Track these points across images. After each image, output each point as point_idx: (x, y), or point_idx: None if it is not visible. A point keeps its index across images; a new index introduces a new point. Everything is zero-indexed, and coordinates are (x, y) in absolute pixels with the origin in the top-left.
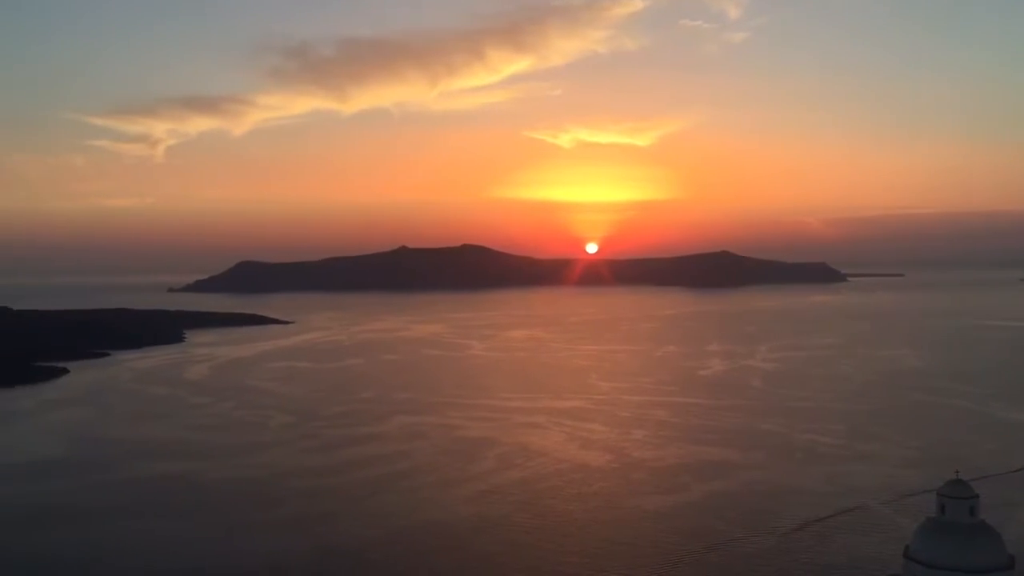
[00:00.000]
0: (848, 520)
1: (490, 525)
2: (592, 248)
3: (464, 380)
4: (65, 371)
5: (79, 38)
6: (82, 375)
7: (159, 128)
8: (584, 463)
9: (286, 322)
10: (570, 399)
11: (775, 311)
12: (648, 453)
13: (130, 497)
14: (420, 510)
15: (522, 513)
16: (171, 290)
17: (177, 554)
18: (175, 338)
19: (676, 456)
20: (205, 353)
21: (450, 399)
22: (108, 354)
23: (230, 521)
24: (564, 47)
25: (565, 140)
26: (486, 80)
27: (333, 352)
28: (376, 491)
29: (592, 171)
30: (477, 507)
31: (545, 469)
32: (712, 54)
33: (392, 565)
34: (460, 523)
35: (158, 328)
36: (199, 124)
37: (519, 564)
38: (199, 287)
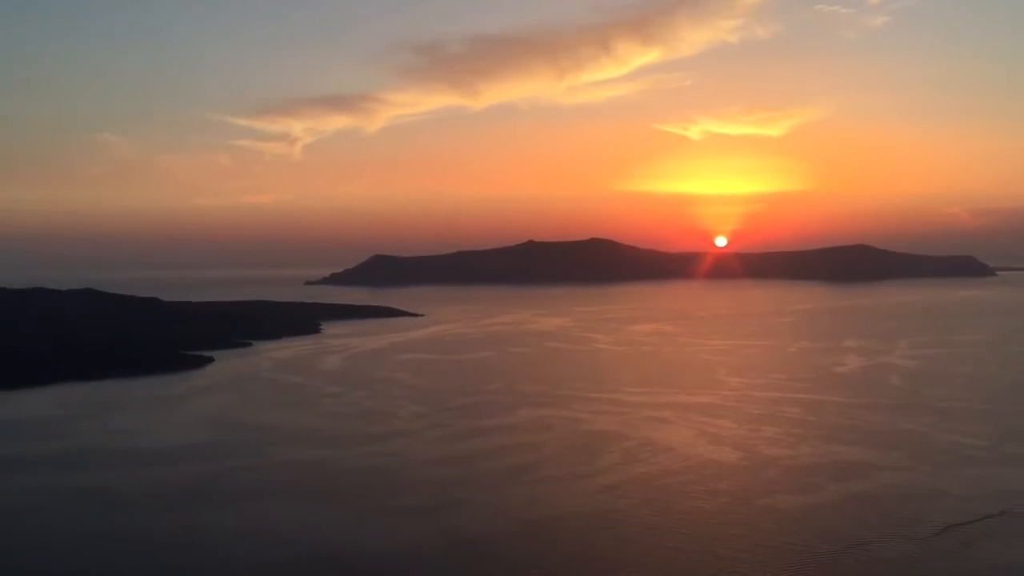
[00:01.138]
0: (993, 526)
1: (615, 520)
2: (721, 241)
3: (590, 374)
4: (211, 360)
5: (224, 43)
6: (226, 364)
7: (297, 127)
8: (712, 460)
9: (417, 314)
10: (698, 394)
11: (917, 306)
12: (780, 451)
13: (271, 480)
14: (546, 502)
15: (648, 509)
16: (308, 283)
17: (315, 536)
18: (311, 329)
19: (809, 455)
20: (339, 344)
21: (576, 392)
22: (250, 344)
23: (363, 506)
24: (693, 37)
25: (694, 132)
26: (614, 73)
27: (461, 344)
28: (502, 482)
29: (722, 163)
30: (602, 501)
31: (672, 465)
32: (849, 40)
33: (519, 556)
34: (585, 517)
35: (296, 319)
36: (334, 122)
37: (644, 560)
38: (334, 280)
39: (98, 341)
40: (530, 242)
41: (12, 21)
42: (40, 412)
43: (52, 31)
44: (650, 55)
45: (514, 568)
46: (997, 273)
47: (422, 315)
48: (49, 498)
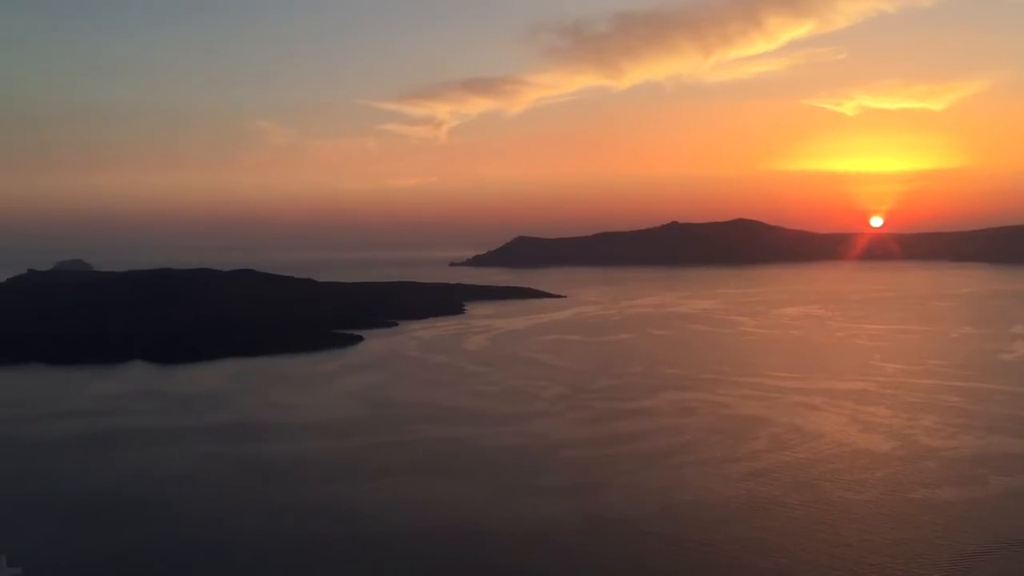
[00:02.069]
0: None
1: (761, 506)
2: (877, 221)
3: (735, 357)
4: (360, 338)
5: (370, 30)
6: (374, 343)
7: (442, 110)
8: (865, 448)
9: (559, 296)
10: (850, 380)
11: None
12: (939, 441)
13: (417, 456)
14: (688, 486)
15: (795, 496)
16: (452, 264)
17: (459, 510)
18: (455, 310)
19: (972, 446)
20: (483, 324)
21: (720, 376)
22: (397, 323)
23: (505, 484)
24: (848, 8)
25: (848, 107)
26: (763, 48)
27: (603, 326)
28: (644, 465)
29: (878, 139)
30: (747, 487)
31: (821, 452)
32: (1018, 7)
33: (661, 539)
34: (729, 502)
35: (440, 300)
36: (478, 105)
37: (793, 548)
38: (478, 261)
39: (256, 320)
40: (674, 223)
41: (180, 20)
42: (205, 386)
43: (216, 28)
44: (802, 28)
45: (655, 552)
46: None
47: (564, 296)
48: (214, 467)
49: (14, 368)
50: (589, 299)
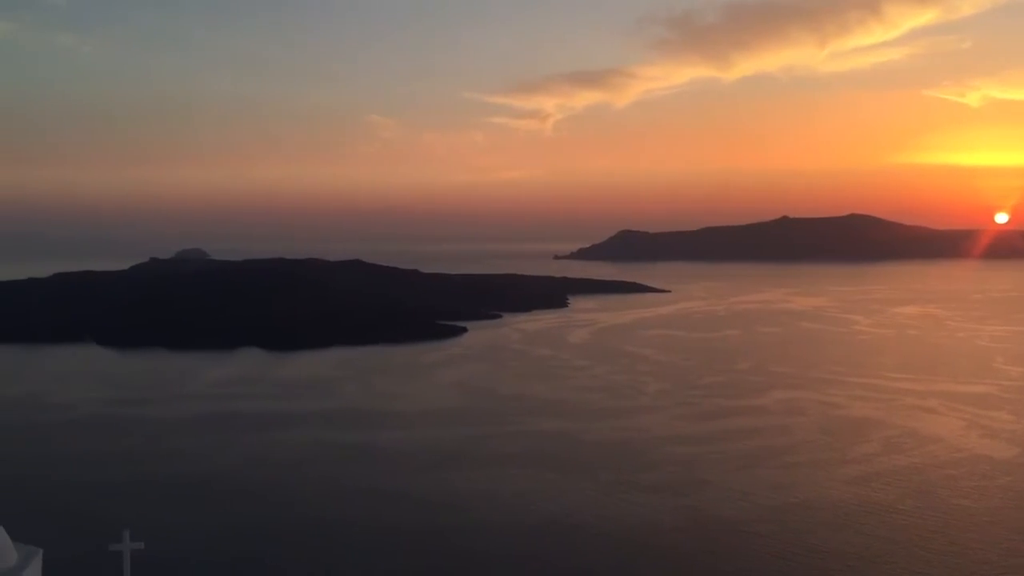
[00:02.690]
0: None
1: (873, 511)
2: (1002, 217)
3: (847, 357)
4: (464, 330)
5: (478, 23)
6: (478, 334)
7: (549, 103)
8: (986, 454)
9: (663, 290)
10: (971, 383)
11: None
12: None
13: (519, 448)
14: (796, 488)
15: (909, 502)
16: (556, 257)
17: (560, 504)
18: (559, 303)
19: None
20: (586, 318)
21: (831, 375)
22: (500, 316)
23: (607, 480)
24: None
25: (973, 98)
26: (882, 37)
27: (709, 322)
28: (750, 464)
29: (1004, 131)
30: (858, 490)
31: (938, 457)
32: None
33: (767, 542)
34: (839, 506)
35: (544, 293)
36: (584, 98)
37: (905, 557)
38: (582, 255)
39: (363, 309)
40: (784, 218)
41: (296, 17)
42: (313, 374)
43: (328, 24)
44: (925, 16)
45: (761, 556)
46: None
47: (669, 291)
48: (322, 453)
49: (138, 352)
50: (695, 294)
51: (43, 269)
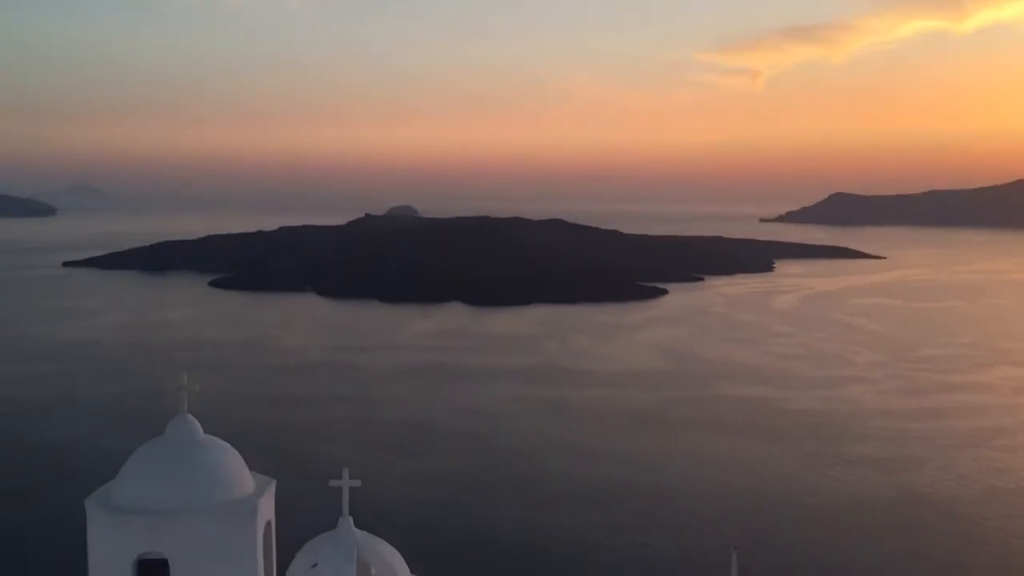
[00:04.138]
0: None
1: None
2: None
3: None
4: (664, 292)
5: None
6: (679, 297)
7: (760, 61)
8: None
9: (878, 257)
10: None
11: None
12: None
13: (717, 413)
14: (1017, 473)
15: None
16: (762, 220)
17: (758, 472)
18: (764, 267)
19: None
20: (793, 283)
21: None
22: (702, 279)
23: (809, 450)
24: None
25: None
26: None
27: (929, 291)
28: (969, 444)
29: None
30: None
31: None
32: None
33: (982, 527)
34: None
35: (748, 256)
36: (799, 55)
37: None
38: (790, 218)
39: (564, 269)
40: (1020, 181)
41: None
42: (514, 331)
43: None
44: None
45: (976, 541)
46: None
47: (884, 258)
48: (522, 407)
49: (355, 303)
50: (913, 262)
51: (271, 222)
